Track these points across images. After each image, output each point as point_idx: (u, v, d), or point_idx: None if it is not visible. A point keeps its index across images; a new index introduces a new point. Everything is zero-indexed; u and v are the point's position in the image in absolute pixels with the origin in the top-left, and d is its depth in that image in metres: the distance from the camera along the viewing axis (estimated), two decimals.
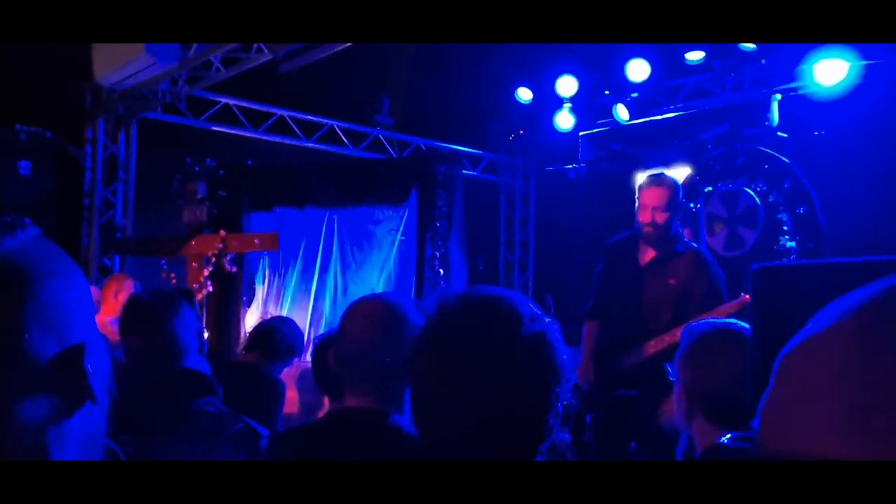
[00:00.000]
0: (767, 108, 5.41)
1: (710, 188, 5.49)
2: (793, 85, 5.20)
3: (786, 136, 5.33)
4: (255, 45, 4.89)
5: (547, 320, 1.10)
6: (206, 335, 2.59)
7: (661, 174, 3.53)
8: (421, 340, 1.13)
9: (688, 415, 1.59)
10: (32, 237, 0.69)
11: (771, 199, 5.11)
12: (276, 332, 3.25)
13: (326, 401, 2.25)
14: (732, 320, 1.68)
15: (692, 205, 5.56)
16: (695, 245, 3.53)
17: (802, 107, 5.19)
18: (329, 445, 1.45)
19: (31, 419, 0.65)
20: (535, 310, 1.10)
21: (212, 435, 1.68)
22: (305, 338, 4.34)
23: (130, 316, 1.92)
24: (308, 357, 3.38)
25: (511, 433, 1.07)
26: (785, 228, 4.95)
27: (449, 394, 1.07)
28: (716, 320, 1.68)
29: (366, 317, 1.51)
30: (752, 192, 5.30)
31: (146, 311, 1.87)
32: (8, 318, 0.63)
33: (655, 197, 3.32)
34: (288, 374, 3.51)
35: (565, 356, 1.09)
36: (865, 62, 4.69)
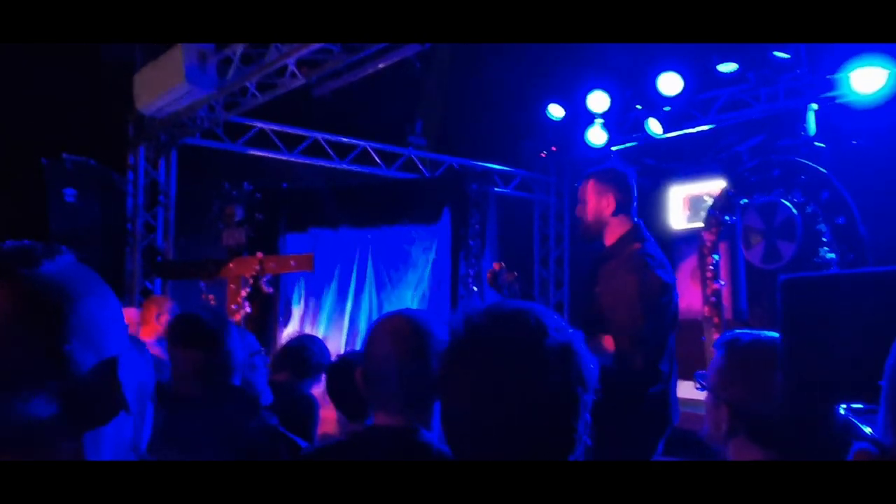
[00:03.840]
0: (803, 118, 5.32)
1: (747, 200, 5.41)
2: (829, 94, 5.11)
3: (823, 146, 5.23)
4: (290, 70, 4.98)
5: (571, 330, 1.11)
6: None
7: (602, 168, 3.04)
8: (449, 354, 1.15)
9: (730, 432, 1.50)
10: (69, 261, 0.77)
11: (809, 210, 5.02)
12: (304, 350, 3.29)
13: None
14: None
15: (728, 217, 5.48)
16: (636, 247, 2.83)
17: (839, 116, 5.10)
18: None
19: (72, 425, 0.72)
20: (560, 321, 1.12)
21: (257, 451, 1.73)
22: None
23: (189, 330, 1.92)
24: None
25: (541, 443, 1.08)
26: (824, 240, 4.85)
27: (479, 406, 1.08)
28: (759, 333, 1.55)
29: (391, 333, 1.53)
30: (789, 204, 5.20)
31: (204, 327, 1.89)
32: (52, 331, 0.71)
33: (581, 191, 2.97)
34: (324, 394, 3.53)
35: (592, 365, 1.10)
36: None
